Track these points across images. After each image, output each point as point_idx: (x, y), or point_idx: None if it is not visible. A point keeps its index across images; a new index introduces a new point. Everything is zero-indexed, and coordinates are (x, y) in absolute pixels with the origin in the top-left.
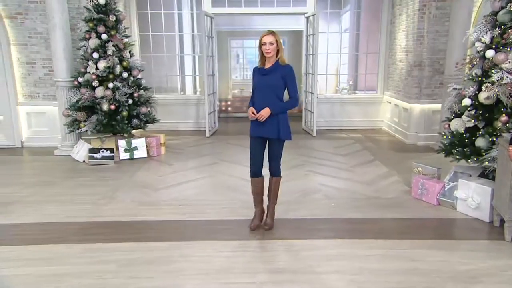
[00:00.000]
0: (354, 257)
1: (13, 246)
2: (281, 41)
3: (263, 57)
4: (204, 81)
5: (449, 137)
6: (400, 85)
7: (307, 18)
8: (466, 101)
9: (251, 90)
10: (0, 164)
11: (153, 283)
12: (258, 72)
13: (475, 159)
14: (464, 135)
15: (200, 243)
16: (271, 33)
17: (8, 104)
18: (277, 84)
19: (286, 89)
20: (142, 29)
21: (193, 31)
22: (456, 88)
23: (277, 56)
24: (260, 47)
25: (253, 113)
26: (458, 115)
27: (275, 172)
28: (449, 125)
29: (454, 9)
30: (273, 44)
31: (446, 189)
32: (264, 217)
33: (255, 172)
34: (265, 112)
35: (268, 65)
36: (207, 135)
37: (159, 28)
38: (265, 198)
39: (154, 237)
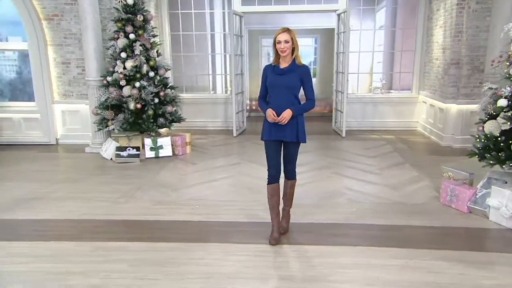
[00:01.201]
0: (370, 267)
1: (26, 241)
2: (297, 38)
3: (277, 55)
4: (231, 80)
5: (483, 140)
6: (436, 84)
7: (338, 15)
8: (502, 102)
9: (261, 88)
10: (34, 160)
11: (158, 285)
12: (273, 70)
13: (510, 164)
14: (499, 139)
15: (211, 245)
16: (286, 30)
17: (44, 102)
18: (295, 84)
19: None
20: (174, 28)
21: (224, 30)
22: (491, 88)
23: (292, 54)
24: (274, 45)
25: (274, 115)
26: (493, 117)
27: (291, 175)
28: (483, 127)
29: (496, 2)
30: (288, 42)
31: (478, 196)
32: (275, 235)
33: (275, 176)
34: (287, 115)
35: (284, 64)
36: (234, 134)
37: (191, 27)
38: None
39: (166, 238)
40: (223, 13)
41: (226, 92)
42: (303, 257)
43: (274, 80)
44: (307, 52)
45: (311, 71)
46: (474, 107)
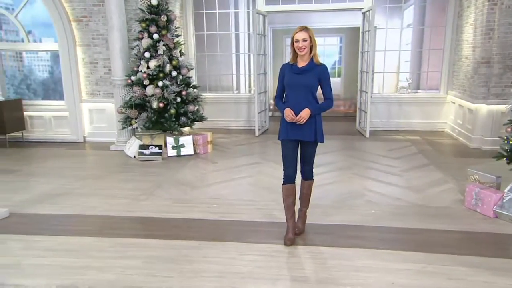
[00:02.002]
0: (385, 270)
1: (48, 236)
2: (315, 37)
3: (295, 54)
4: (254, 80)
5: (511, 142)
6: (465, 84)
7: (364, 13)
8: None
9: (278, 88)
10: (62, 157)
11: (170, 283)
12: (290, 69)
13: None
14: None
15: (226, 244)
16: (304, 29)
17: (73, 101)
18: (313, 84)
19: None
20: (198, 28)
21: (249, 29)
22: None
23: (310, 53)
24: (292, 44)
25: (292, 115)
26: None
27: (308, 175)
28: (511, 128)
29: None
30: (306, 40)
31: (505, 200)
32: (290, 235)
33: (290, 177)
34: (306, 114)
35: (301, 63)
36: (256, 134)
37: (215, 27)
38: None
39: (181, 235)
40: (248, 12)
41: (250, 91)
42: (317, 259)
43: (291, 79)
44: (332, 51)
45: (336, 70)
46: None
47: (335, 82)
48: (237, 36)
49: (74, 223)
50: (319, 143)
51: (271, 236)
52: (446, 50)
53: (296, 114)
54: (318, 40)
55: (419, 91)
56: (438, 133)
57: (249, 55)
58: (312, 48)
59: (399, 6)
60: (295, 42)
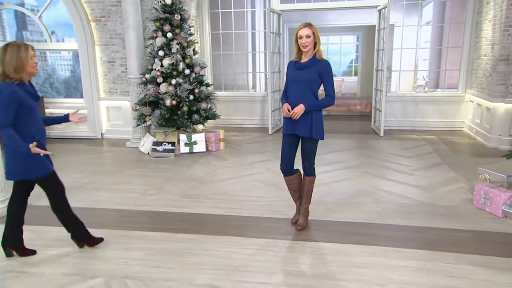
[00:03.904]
0: (385, 267)
1: (56, 227)
2: (319, 33)
3: (299, 50)
4: (267, 78)
5: None
6: (483, 82)
7: (379, 11)
8: None
9: (285, 85)
10: (80, 153)
11: (170, 274)
12: (294, 66)
13: None
14: None
15: (228, 238)
16: (308, 25)
17: (91, 99)
18: (313, 79)
19: (321, 85)
20: (214, 27)
21: (265, 28)
22: None
23: (314, 49)
24: (296, 40)
25: (288, 110)
26: None
27: (308, 171)
28: None
29: None
30: (309, 37)
31: None
32: (297, 217)
33: (284, 171)
34: (299, 110)
35: (305, 59)
36: (270, 132)
37: (231, 26)
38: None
39: (186, 229)
40: (264, 11)
41: (265, 90)
42: (316, 254)
43: (293, 74)
44: (348, 49)
45: (352, 69)
46: None
47: (351, 81)
48: (253, 35)
49: (84, 216)
50: (321, 141)
51: (273, 231)
52: (465, 47)
53: (293, 109)
54: (335, 38)
55: (437, 89)
56: (455, 132)
57: (265, 54)
58: (316, 44)
59: (418, 3)
60: (299, 38)
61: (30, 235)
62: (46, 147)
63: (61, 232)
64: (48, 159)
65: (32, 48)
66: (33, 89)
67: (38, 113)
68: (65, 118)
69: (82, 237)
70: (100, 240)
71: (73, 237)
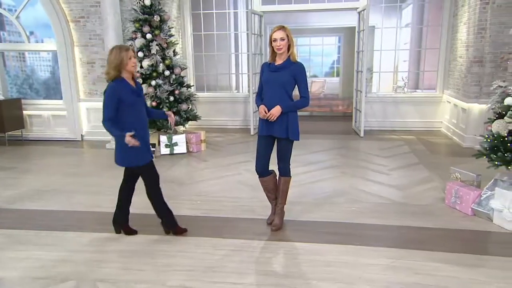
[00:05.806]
0: (355, 265)
1: (32, 230)
2: (292, 36)
3: (273, 53)
4: (249, 79)
5: (489, 140)
6: (459, 83)
7: (359, 13)
8: (509, 100)
9: (258, 86)
10: (57, 155)
11: (139, 276)
12: (268, 68)
13: None
14: (506, 139)
15: (201, 239)
16: (282, 28)
17: (71, 100)
18: (288, 81)
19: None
20: (196, 28)
21: (247, 29)
22: (501, 86)
23: (288, 51)
24: (270, 43)
25: (265, 111)
26: (502, 116)
27: (284, 172)
28: (491, 126)
29: None
30: (284, 39)
31: (482, 198)
32: (272, 217)
33: (259, 172)
34: (276, 111)
35: (279, 61)
36: (252, 133)
37: (213, 27)
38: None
39: (161, 231)
40: (246, 12)
41: (249, 91)
42: (289, 254)
43: (268, 76)
44: (330, 51)
45: (334, 70)
46: None
47: (334, 82)
48: (236, 36)
49: (58, 219)
50: (301, 141)
51: (249, 232)
52: (442, 49)
53: (269, 111)
54: (317, 40)
55: (417, 90)
56: (433, 132)
57: (247, 55)
58: (289, 46)
59: (397, 5)
60: (273, 41)
61: (0, 239)
62: (147, 138)
63: (35, 235)
64: (147, 150)
65: (133, 50)
66: (137, 87)
67: (141, 107)
68: (163, 114)
69: (170, 224)
70: (184, 230)
71: (162, 223)
